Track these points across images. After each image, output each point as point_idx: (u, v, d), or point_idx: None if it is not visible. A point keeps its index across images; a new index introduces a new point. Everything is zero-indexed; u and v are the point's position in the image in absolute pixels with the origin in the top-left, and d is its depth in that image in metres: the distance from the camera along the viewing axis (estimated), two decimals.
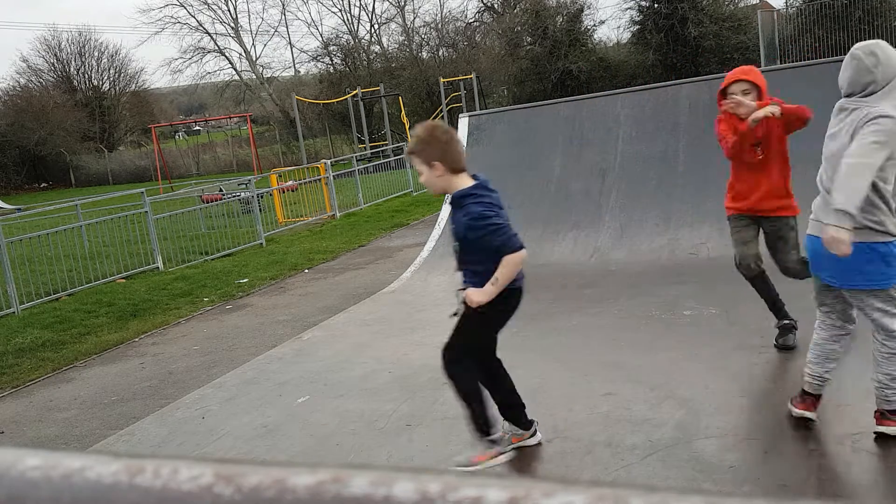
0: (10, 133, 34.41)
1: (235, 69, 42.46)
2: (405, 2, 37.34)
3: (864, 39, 3.16)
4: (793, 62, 21.77)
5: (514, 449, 3.51)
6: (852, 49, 3.18)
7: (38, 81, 39.96)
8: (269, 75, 42.71)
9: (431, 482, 0.39)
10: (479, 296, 3.15)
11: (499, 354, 3.53)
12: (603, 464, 3.32)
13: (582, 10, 30.31)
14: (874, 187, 2.96)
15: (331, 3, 55.75)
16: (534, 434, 3.58)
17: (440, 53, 33.88)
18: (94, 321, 7.71)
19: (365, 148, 26.26)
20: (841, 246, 2.89)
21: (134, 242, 11.10)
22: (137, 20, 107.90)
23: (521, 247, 3.14)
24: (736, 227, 4.43)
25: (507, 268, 3.11)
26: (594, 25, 36.83)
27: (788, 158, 4.31)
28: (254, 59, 42.62)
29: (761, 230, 4.39)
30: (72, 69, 40.56)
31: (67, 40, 41.91)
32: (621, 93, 8.19)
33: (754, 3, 28.58)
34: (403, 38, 36.77)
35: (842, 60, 3.27)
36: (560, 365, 4.64)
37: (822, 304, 3.33)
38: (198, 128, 48.40)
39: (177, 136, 41.64)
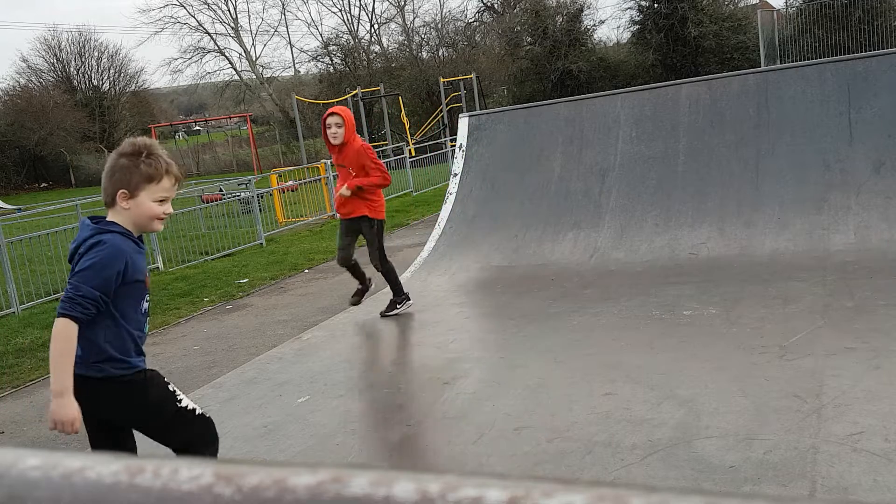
0: (10, 133, 34.41)
1: (235, 69, 42.49)
2: (405, 2, 37.36)
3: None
4: (793, 62, 21.77)
5: None
6: None
7: (38, 81, 39.97)
8: (269, 75, 42.75)
9: (431, 482, 0.39)
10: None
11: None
12: (603, 464, 3.32)
13: (582, 10, 30.35)
14: None
15: (331, 3, 55.75)
16: None
17: (440, 53, 33.89)
18: None
19: None
20: None
21: None
22: (137, 20, 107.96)
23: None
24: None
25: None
26: (594, 25, 36.86)
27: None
28: (254, 59, 42.64)
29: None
30: (72, 69, 40.57)
31: (67, 40, 41.90)
32: (621, 93, 8.19)
33: (754, 3, 28.60)
34: (403, 38, 36.79)
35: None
36: (560, 365, 4.64)
37: None
38: (198, 128, 48.41)
39: (177, 136, 41.63)
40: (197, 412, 2.90)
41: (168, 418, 2.83)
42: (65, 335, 2.51)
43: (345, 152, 5.89)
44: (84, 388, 2.65)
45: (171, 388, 2.86)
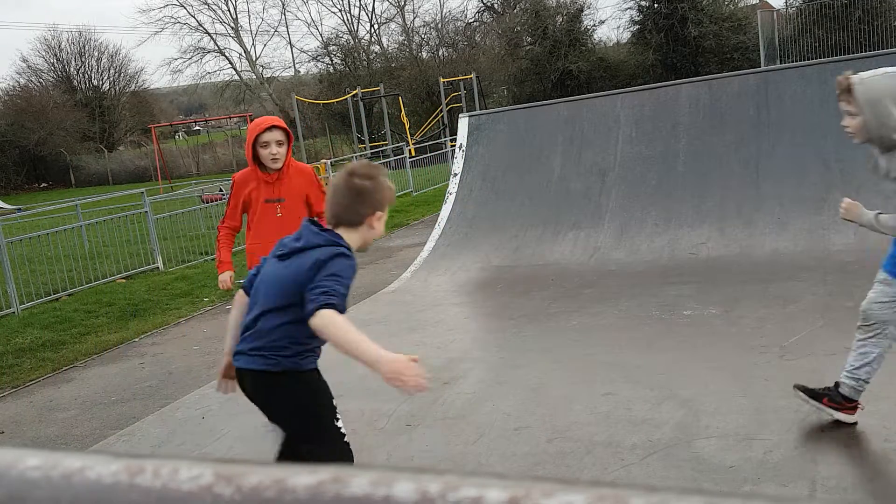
0: (10, 133, 34.42)
1: (235, 69, 42.48)
2: (405, 2, 37.36)
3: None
4: (793, 62, 21.77)
5: None
6: None
7: (38, 81, 40.00)
8: (269, 75, 42.74)
9: (431, 482, 0.39)
10: None
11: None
12: (603, 464, 3.32)
13: (582, 10, 30.35)
14: None
15: (331, 3, 55.73)
16: None
17: (440, 53, 33.89)
18: (94, 321, 7.71)
19: (365, 148, 26.28)
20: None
21: (134, 242, 11.09)
22: (137, 20, 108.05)
23: None
24: None
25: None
26: (594, 25, 36.82)
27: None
28: (254, 59, 42.64)
29: None
30: (72, 69, 40.60)
31: (67, 40, 41.92)
32: (621, 93, 8.20)
33: (754, 3, 28.61)
34: (403, 38, 36.79)
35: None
36: (560, 365, 4.64)
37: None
38: (198, 128, 48.38)
39: (177, 136, 41.69)
40: (346, 438, 2.88)
41: (323, 433, 2.81)
42: (341, 319, 2.50)
43: (283, 180, 4.19)
44: (258, 384, 2.70)
45: (334, 403, 2.89)
